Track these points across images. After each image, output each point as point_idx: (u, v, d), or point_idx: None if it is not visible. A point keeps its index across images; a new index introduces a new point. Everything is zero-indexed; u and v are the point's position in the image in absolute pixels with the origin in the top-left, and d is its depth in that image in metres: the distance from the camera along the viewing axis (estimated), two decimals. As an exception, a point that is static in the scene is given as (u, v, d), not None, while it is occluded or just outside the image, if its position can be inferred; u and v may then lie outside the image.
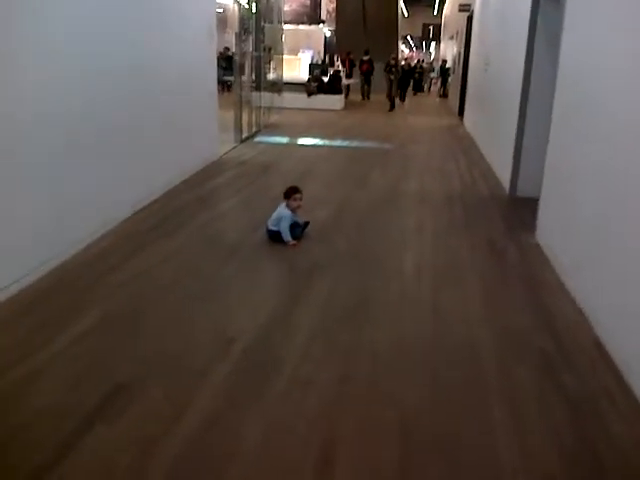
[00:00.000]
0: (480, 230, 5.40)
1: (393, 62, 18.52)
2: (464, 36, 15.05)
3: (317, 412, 2.61)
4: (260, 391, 2.73)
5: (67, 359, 2.95)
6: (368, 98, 20.45)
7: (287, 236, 4.76)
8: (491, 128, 8.98)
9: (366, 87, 20.53)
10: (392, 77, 18.10)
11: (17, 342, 3.10)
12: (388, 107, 17.63)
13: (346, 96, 18.80)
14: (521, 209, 6.18)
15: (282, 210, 4.85)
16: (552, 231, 4.73)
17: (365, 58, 20.18)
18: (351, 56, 22.51)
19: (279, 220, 4.79)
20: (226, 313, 3.57)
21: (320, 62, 20.74)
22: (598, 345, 3.30)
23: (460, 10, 16.02)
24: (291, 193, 4.92)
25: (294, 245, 4.74)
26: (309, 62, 19.47)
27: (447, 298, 3.89)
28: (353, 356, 3.10)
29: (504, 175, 7.14)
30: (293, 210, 4.87)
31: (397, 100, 18.72)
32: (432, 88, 29.81)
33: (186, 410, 2.56)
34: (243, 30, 10.74)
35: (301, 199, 4.94)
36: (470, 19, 14.09)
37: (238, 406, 2.62)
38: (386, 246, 4.93)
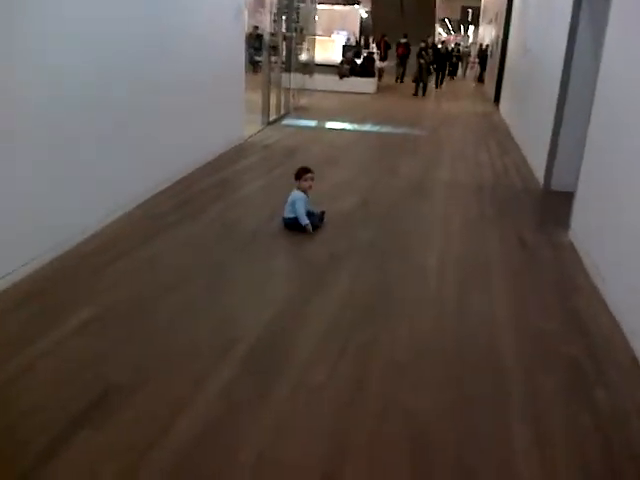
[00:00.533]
0: (510, 225, 5.13)
1: (423, 45, 17.41)
2: (503, 20, 14.55)
3: (324, 422, 2.42)
4: (263, 397, 2.55)
5: (59, 356, 2.81)
6: (402, 81, 20.20)
7: (304, 219, 4.58)
8: (527, 116, 8.62)
9: (401, 70, 20.40)
10: (422, 61, 16.72)
11: (9, 336, 2.96)
12: (413, 91, 16.55)
13: (379, 79, 18.42)
14: (555, 204, 5.89)
15: (294, 193, 4.69)
16: (587, 230, 4.45)
17: (402, 41, 20.19)
18: (386, 38, 22.09)
19: (293, 204, 4.61)
20: (234, 308, 3.40)
21: (354, 44, 20.32)
22: (633, 358, 3.05)
23: (500, -8, 15.49)
24: (302, 173, 4.75)
25: (310, 230, 4.57)
26: (342, 44, 19.07)
27: (472, 298, 3.66)
28: (368, 360, 2.90)
29: (539, 167, 6.82)
30: (304, 191, 4.70)
31: (431, 85, 18.07)
32: (467, 72, 29.04)
33: (181, 416, 2.40)
34: (277, 9, 10.49)
35: (312, 179, 4.77)
36: (511, 2, 13.59)
37: (237, 413, 2.45)
38: (411, 238, 4.70)
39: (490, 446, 2.34)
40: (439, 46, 21.94)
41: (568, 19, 6.02)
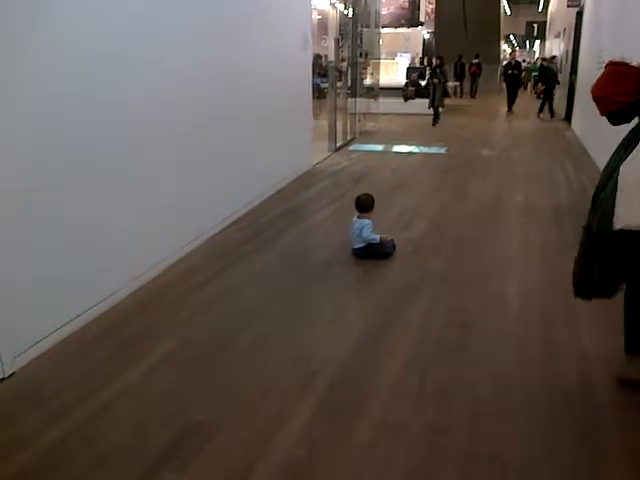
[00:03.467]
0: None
1: (437, 62, 14.30)
2: (573, 33, 14.13)
3: (408, 468, 2.31)
4: (344, 439, 2.47)
5: (139, 393, 2.82)
6: (474, 97, 22.61)
7: (374, 238, 4.57)
8: (605, 132, 8.25)
9: (475, 87, 23.05)
10: (435, 81, 13.69)
11: (91, 371, 3.01)
12: (432, 121, 13.72)
13: (461, 96, 21.12)
14: None
15: (358, 221, 4.65)
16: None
17: (475, 61, 22.85)
18: (462, 60, 23.30)
19: (360, 231, 4.57)
20: (309, 342, 3.35)
21: (418, 65, 20.30)
22: None
23: (569, 6, 15.05)
24: (371, 206, 4.75)
25: (384, 240, 4.60)
26: (406, 66, 19.04)
27: (558, 332, 3.46)
28: (450, 398, 2.78)
29: (620, 185, 6.48)
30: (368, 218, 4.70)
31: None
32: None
33: (262, 459, 2.35)
34: (341, 36, 10.59)
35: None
36: (580, 15, 13.19)
37: (318, 456, 2.37)
38: (487, 266, 4.53)
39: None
40: (522, 61, 22.20)
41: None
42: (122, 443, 2.46)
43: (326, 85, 10.37)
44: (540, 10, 30.91)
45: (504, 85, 17.83)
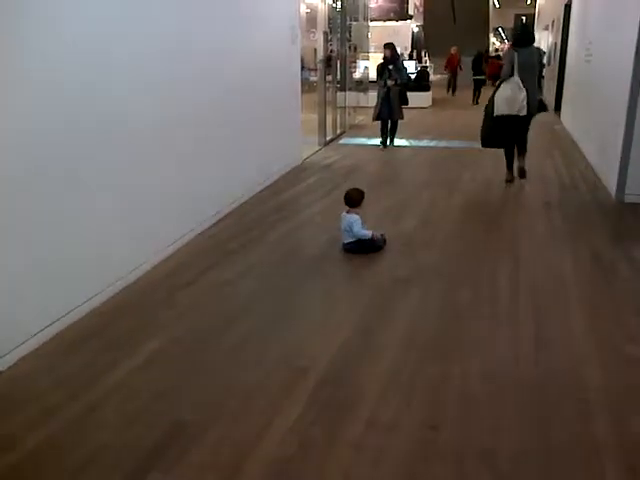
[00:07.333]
0: (583, 242, 4.86)
1: (388, 54, 9.60)
2: (561, 26, 14.11)
3: (399, 467, 2.28)
4: (333, 438, 2.44)
5: (126, 392, 2.78)
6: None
7: (365, 234, 4.54)
8: (593, 124, 8.26)
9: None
10: (390, 83, 9.37)
11: (77, 371, 2.96)
12: (380, 143, 9.68)
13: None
14: (630, 217, 5.58)
15: (347, 217, 4.60)
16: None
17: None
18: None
19: (350, 226, 4.54)
20: (300, 339, 3.31)
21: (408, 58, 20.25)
22: None
23: (557, -2, 15.05)
24: (360, 200, 4.68)
25: (377, 237, 4.59)
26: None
27: (548, 326, 3.45)
28: (441, 396, 2.75)
29: (609, 177, 6.50)
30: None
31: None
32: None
33: (250, 458, 2.31)
34: (329, 29, 10.51)
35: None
36: (568, 7, 13.18)
37: (308, 456, 2.34)
38: (478, 261, 4.51)
39: (582, 492, 2.16)
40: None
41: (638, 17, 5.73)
42: (109, 443, 2.42)
43: (315, 78, 10.31)
44: (529, 3, 30.88)
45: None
